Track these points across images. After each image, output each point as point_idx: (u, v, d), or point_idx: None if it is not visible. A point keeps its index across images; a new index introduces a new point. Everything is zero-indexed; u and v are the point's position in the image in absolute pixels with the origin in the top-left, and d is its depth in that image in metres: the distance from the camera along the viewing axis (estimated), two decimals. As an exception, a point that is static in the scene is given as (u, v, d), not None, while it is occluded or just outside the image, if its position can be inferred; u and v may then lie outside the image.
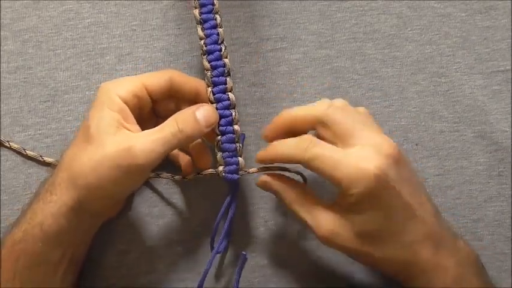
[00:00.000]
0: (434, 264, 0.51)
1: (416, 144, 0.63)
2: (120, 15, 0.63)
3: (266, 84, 0.62)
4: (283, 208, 0.61)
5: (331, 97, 0.62)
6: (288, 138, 0.53)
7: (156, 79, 0.55)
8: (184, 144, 0.54)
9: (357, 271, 0.61)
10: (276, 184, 0.55)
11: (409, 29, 0.63)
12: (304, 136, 0.53)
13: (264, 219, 0.62)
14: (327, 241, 0.52)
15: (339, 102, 0.54)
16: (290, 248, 0.61)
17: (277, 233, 0.62)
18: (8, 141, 0.61)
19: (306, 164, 0.52)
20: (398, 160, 0.51)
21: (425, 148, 0.63)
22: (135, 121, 0.54)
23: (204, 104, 0.55)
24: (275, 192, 0.55)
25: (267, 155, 0.54)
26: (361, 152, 0.50)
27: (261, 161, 0.55)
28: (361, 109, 0.55)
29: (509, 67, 0.63)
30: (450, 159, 0.63)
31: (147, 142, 0.51)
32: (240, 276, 0.58)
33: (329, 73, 0.63)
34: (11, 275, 0.54)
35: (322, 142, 0.52)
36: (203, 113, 0.54)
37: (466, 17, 0.64)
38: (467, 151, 0.63)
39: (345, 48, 0.63)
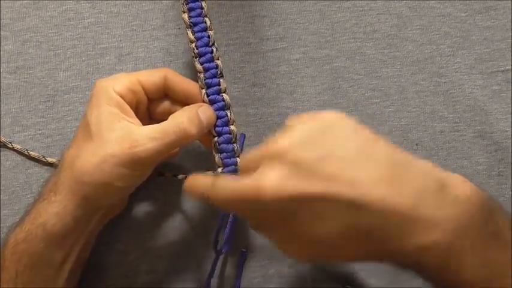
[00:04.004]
0: (403, 255, 0.43)
1: (417, 144, 0.63)
2: (120, 15, 0.63)
3: (266, 84, 0.62)
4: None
5: (331, 97, 0.62)
6: (201, 178, 0.50)
7: (151, 76, 0.55)
8: (184, 144, 0.54)
9: (357, 271, 0.61)
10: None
11: (409, 29, 0.63)
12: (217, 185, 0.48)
13: (264, 219, 0.62)
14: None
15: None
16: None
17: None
18: (10, 142, 0.61)
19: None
20: (298, 151, 0.43)
21: (425, 148, 0.63)
22: (134, 115, 0.54)
23: (202, 103, 0.55)
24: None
25: (187, 191, 0.51)
26: (256, 177, 0.45)
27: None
28: None
29: (509, 67, 0.63)
30: (450, 159, 0.63)
31: (149, 141, 0.51)
32: (241, 274, 0.58)
33: (329, 73, 0.63)
34: (12, 275, 0.53)
35: (223, 180, 0.47)
36: (205, 113, 0.54)
37: (466, 17, 0.64)
38: (467, 151, 0.63)
39: (345, 48, 0.63)
